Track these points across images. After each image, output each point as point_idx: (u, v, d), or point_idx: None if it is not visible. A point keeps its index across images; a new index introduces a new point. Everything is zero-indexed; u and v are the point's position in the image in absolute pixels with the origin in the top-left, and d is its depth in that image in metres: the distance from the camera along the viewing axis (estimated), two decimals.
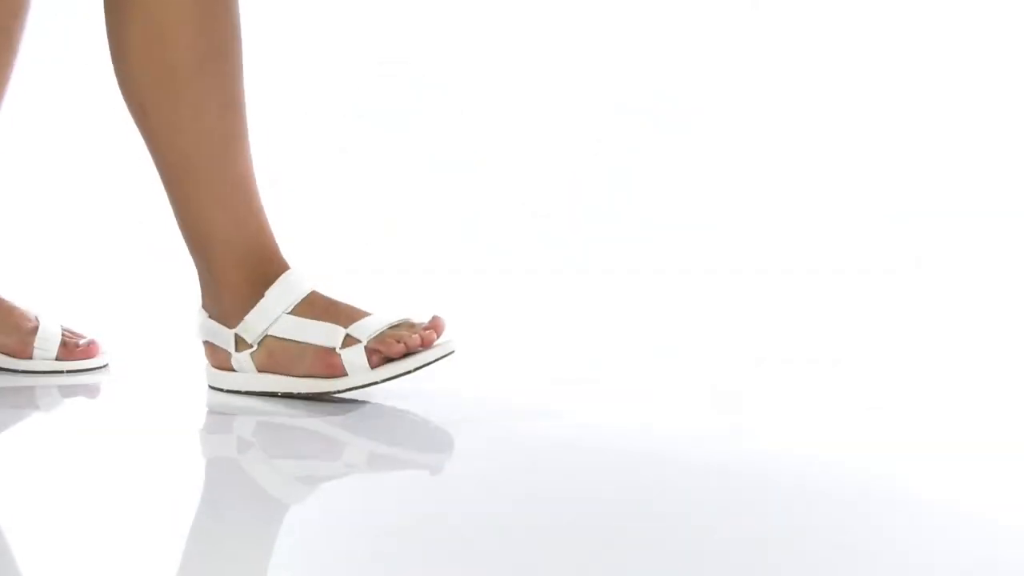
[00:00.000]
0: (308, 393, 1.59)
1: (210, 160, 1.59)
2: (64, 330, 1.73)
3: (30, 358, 1.71)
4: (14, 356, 1.71)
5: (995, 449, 1.48)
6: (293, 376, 1.59)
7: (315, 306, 1.60)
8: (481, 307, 2.12)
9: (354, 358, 1.56)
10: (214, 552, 1.23)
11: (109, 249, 2.48)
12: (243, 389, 1.62)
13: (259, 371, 1.61)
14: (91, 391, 1.71)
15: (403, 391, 1.61)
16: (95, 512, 1.30)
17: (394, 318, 1.59)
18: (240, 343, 1.61)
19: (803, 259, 2.45)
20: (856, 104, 2.86)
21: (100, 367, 1.73)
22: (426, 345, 1.56)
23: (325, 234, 2.43)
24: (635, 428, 1.56)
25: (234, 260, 1.60)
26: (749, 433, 1.53)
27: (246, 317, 1.60)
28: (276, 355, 1.60)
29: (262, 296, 1.60)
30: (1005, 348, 1.92)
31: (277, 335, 1.59)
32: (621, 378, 1.75)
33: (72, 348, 1.72)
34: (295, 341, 1.59)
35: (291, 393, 1.60)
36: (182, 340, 1.83)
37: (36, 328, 1.71)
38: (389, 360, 1.56)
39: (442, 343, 1.57)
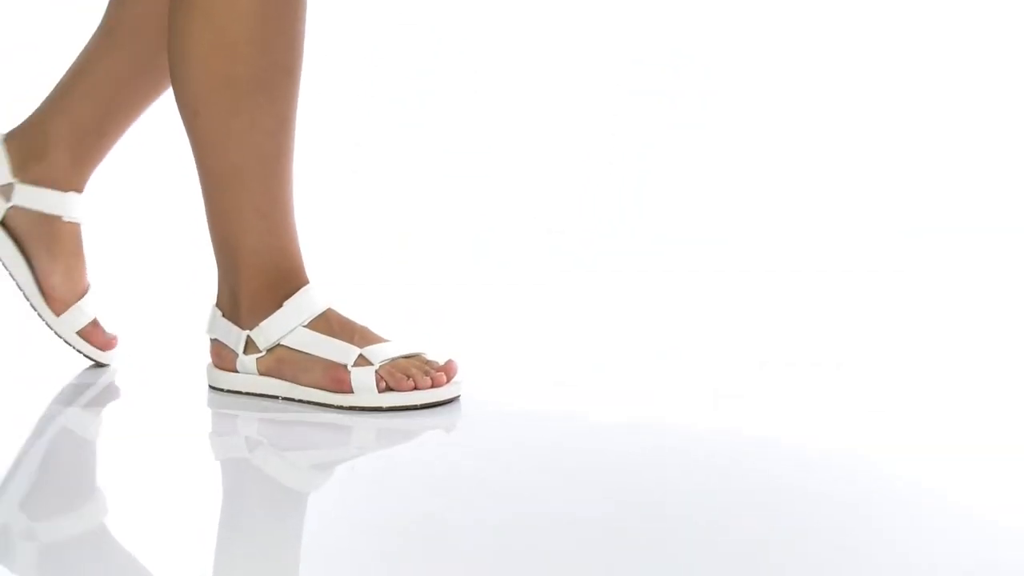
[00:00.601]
0: (308, 400, 1.60)
1: (256, 174, 1.59)
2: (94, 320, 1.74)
3: (57, 316, 1.72)
4: (49, 305, 1.72)
5: (997, 451, 1.48)
6: (297, 384, 1.60)
7: (330, 323, 1.61)
8: (483, 307, 2.12)
9: (364, 378, 1.57)
10: (239, 548, 1.24)
11: (105, 249, 2.48)
12: (244, 390, 1.62)
13: (261, 375, 1.61)
14: (91, 391, 1.71)
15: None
16: (111, 515, 1.31)
17: (408, 349, 1.60)
18: (250, 346, 1.61)
19: (807, 261, 2.44)
20: (868, 103, 2.85)
21: (103, 364, 1.74)
22: (436, 387, 1.58)
23: (335, 246, 2.43)
24: (637, 430, 1.56)
25: (259, 267, 1.61)
26: (751, 435, 1.53)
27: (262, 323, 1.60)
28: (284, 363, 1.60)
29: (279, 306, 1.61)
30: (1006, 351, 1.92)
31: (290, 345, 1.60)
32: (624, 380, 1.74)
33: (98, 332, 1.73)
34: (306, 354, 1.59)
35: (291, 398, 1.60)
36: (179, 340, 1.84)
37: (83, 295, 1.73)
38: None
39: (451, 385, 1.60)
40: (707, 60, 2.89)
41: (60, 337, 1.73)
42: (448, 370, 1.59)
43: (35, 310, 1.73)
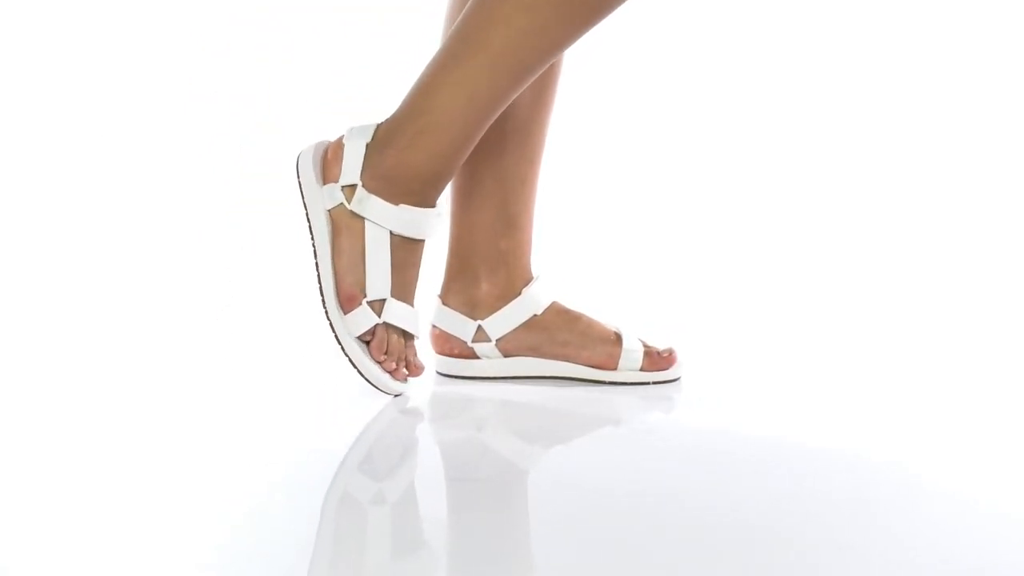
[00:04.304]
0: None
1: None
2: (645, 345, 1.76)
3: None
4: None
5: (1001, 448, 1.52)
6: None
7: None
8: None
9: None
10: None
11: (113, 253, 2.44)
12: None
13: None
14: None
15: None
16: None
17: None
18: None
19: (809, 258, 2.47)
20: (862, 106, 2.86)
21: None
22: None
23: None
24: (637, 428, 1.61)
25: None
26: (750, 434, 1.55)
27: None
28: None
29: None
30: (1007, 345, 1.97)
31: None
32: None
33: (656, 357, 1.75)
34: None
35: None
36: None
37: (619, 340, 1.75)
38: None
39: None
40: (706, 60, 2.90)
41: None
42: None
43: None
